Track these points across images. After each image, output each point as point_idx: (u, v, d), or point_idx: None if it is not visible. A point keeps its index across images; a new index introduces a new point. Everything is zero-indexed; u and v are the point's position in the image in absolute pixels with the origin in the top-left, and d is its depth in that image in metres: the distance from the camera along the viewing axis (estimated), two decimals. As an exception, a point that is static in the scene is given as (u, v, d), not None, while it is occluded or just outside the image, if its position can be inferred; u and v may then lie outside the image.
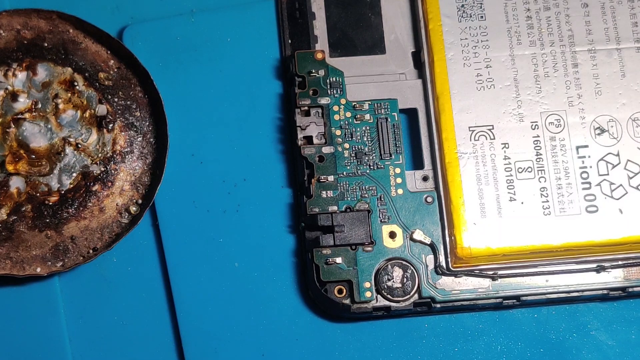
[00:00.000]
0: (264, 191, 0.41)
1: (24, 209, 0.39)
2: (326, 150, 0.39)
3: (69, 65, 0.40)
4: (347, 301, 0.38)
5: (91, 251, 0.39)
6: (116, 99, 0.40)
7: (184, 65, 0.42)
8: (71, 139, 0.40)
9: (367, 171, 0.39)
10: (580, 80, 0.40)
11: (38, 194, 0.39)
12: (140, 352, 0.40)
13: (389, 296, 0.38)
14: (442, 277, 0.39)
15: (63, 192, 0.39)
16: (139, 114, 0.41)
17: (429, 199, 0.39)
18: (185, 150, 0.41)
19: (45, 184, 0.39)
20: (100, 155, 0.40)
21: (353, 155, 0.39)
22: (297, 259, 0.40)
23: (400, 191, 0.39)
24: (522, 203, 0.38)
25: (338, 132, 0.39)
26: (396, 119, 0.40)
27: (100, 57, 0.41)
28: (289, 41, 0.41)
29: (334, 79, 0.40)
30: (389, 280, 0.38)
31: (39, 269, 0.39)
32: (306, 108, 0.40)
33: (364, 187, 0.39)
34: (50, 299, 0.40)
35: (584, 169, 0.39)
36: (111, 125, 0.40)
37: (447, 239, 0.38)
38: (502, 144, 0.39)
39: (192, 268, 0.40)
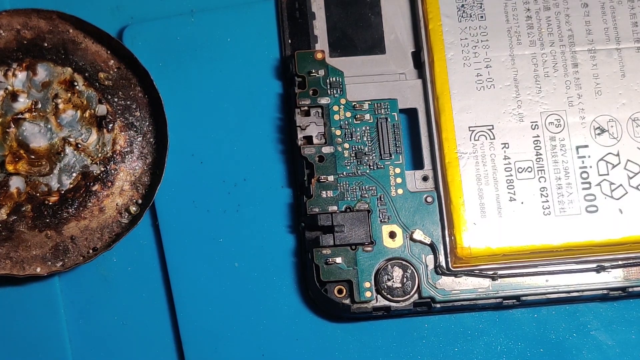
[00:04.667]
0: (264, 191, 0.41)
1: (24, 209, 0.39)
2: (326, 150, 0.39)
3: (69, 65, 0.40)
4: (347, 301, 0.38)
5: (91, 251, 0.39)
6: (116, 99, 0.40)
7: (184, 65, 0.42)
8: (71, 139, 0.40)
9: (367, 171, 0.39)
10: (580, 80, 0.40)
11: (38, 194, 0.39)
12: (140, 352, 0.40)
13: (389, 296, 0.38)
14: (442, 277, 0.39)
15: (63, 192, 0.39)
16: (139, 114, 0.41)
17: (429, 199, 0.39)
18: (185, 150, 0.41)
19: (45, 184, 0.39)
20: (100, 155, 0.40)
21: (353, 155, 0.39)
22: (297, 259, 0.40)
23: (400, 191, 0.39)
24: (522, 203, 0.38)
25: (338, 132, 0.39)
26: (396, 119, 0.40)
27: (100, 57, 0.41)
28: (289, 41, 0.41)
29: (334, 79, 0.40)
30: (389, 280, 0.38)
31: (39, 269, 0.39)
32: (306, 108, 0.40)
33: (364, 187, 0.39)
34: (50, 299, 0.40)
35: (584, 169, 0.39)
36: (111, 125, 0.40)
37: (447, 239, 0.38)
38: (502, 144, 0.39)
39: (192, 268, 0.40)
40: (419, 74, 0.41)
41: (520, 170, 0.39)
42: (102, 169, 0.40)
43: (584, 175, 0.39)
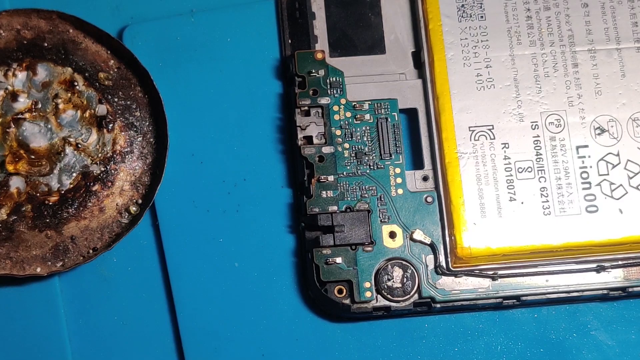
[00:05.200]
0: (264, 191, 0.41)
1: (24, 209, 0.39)
2: (326, 150, 0.39)
3: (69, 65, 0.40)
4: (347, 301, 0.38)
5: (91, 251, 0.39)
6: (116, 99, 0.40)
7: (184, 65, 0.42)
8: (71, 139, 0.40)
9: (367, 171, 0.39)
10: (580, 80, 0.40)
11: (38, 194, 0.39)
12: (140, 352, 0.40)
13: (389, 296, 0.38)
14: (442, 277, 0.39)
15: (63, 192, 0.39)
16: (139, 114, 0.41)
17: (429, 199, 0.39)
18: (185, 150, 0.41)
19: (45, 184, 0.39)
20: (100, 155, 0.40)
21: (353, 155, 0.39)
22: (297, 259, 0.40)
23: (400, 191, 0.39)
24: (522, 203, 0.38)
25: (338, 132, 0.39)
26: (396, 119, 0.40)
27: (100, 57, 0.41)
28: (289, 41, 0.41)
29: (334, 79, 0.40)
30: (389, 280, 0.38)
31: (39, 269, 0.39)
32: (306, 108, 0.40)
33: (364, 187, 0.39)
34: (50, 299, 0.40)
35: (584, 169, 0.39)
36: (111, 125, 0.40)
37: (447, 239, 0.38)
38: (502, 144, 0.39)
39: (192, 268, 0.40)
40: (419, 74, 0.41)
41: (520, 170, 0.39)
42: (102, 169, 0.40)
43: (584, 175, 0.39)
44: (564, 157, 0.39)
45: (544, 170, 0.39)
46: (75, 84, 0.40)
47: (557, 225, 0.38)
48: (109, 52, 0.41)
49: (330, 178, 0.39)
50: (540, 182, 0.39)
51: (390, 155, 0.39)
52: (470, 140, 0.39)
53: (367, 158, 0.39)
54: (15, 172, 0.39)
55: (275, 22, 0.42)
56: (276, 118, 0.42)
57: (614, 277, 0.39)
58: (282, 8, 0.42)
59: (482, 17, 0.40)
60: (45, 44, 0.40)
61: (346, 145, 0.39)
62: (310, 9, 0.42)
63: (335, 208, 0.38)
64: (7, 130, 0.40)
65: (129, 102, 0.41)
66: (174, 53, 0.42)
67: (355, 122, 0.40)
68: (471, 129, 0.39)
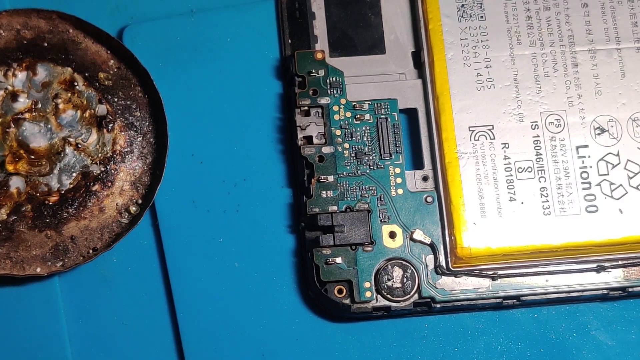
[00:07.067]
0: (264, 191, 0.41)
1: (24, 209, 0.39)
2: (326, 150, 0.39)
3: (69, 65, 0.40)
4: (347, 301, 0.38)
5: (91, 251, 0.39)
6: (116, 99, 0.40)
7: (184, 65, 0.42)
8: (71, 139, 0.40)
9: (367, 171, 0.39)
10: (580, 80, 0.40)
11: (38, 194, 0.39)
12: (140, 352, 0.40)
13: (389, 296, 0.38)
14: (442, 277, 0.39)
15: (63, 192, 0.39)
16: (139, 114, 0.41)
17: (429, 199, 0.39)
18: (185, 150, 0.41)
19: (45, 184, 0.39)
20: (100, 155, 0.40)
21: (353, 155, 0.39)
22: (297, 259, 0.40)
23: (400, 191, 0.39)
24: (522, 203, 0.38)
25: (338, 132, 0.39)
26: (396, 119, 0.40)
27: (100, 57, 0.41)
28: (289, 41, 0.41)
29: (334, 79, 0.40)
30: (389, 280, 0.38)
31: (39, 269, 0.39)
32: (306, 108, 0.40)
33: (364, 187, 0.39)
34: (50, 299, 0.40)
35: (584, 169, 0.39)
36: (111, 125, 0.40)
37: (447, 239, 0.38)
38: (502, 144, 0.39)
39: (192, 268, 0.40)
40: (419, 74, 0.41)
41: (520, 170, 0.39)
42: (102, 169, 0.40)
43: (584, 175, 0.39)
44: (564, 157, 0.39)
45: (544, 170, 0.39)
46: (75, 84, 0.40)
47: (557, 225, 0.38)
48: (109, 52, 0.41)
49: (330, 178, 0.39)
50: (540, 182, 0.39)
51: (390, 155, 0.39)
52: (470, 140, 0.39)
53: (367, 158, 0.39)
54: (15, 172, 0.39)
55: (275, 22, 0.42)
56: (276, 118, 0.42)
57: (614, 277, 0.39)
58: (282, 8, 0.42)
59: (482, 17, 0.40)
60: (45, 44, 0.40)
61: (346, 145, 0.39)
62: (310, 9, 0.42)
63: (335, 208, 0.38)
64: (7, 130, 0.40)
65: (129, 102, 0.41)
66: (174, 53, 0.42)
67: (355, 122, 0.40)
68: (471, 129, 0.39)
